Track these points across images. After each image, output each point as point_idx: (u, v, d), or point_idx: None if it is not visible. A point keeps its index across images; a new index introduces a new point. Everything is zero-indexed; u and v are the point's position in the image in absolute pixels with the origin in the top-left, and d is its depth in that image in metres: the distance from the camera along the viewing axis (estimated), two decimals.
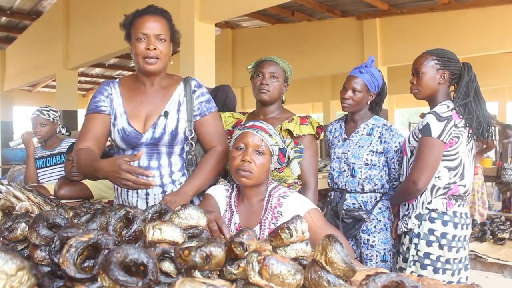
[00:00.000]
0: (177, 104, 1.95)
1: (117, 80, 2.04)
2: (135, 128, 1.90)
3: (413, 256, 2.23)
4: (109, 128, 1.96)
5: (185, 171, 1.97)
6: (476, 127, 2.20)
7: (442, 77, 2.26)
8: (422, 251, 2.20)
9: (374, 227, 2.47)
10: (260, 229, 1.69)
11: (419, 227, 2.23)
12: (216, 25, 5.14)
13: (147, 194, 1.92)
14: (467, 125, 2.20)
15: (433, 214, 2.21)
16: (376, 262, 2.46)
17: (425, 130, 2.18)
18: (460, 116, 2.18)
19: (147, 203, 1.92)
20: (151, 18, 1.86)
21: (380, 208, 2.49)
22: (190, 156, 1.97)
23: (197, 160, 1.98)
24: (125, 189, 1.95)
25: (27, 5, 8.64)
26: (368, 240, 2.48)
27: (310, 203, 1.72)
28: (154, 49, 1.84)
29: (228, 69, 9.83)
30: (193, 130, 1.96)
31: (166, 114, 1.91)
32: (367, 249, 2.48)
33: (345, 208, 2.51)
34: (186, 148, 1.97)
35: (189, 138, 1.96)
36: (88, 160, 1.80)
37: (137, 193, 1.93)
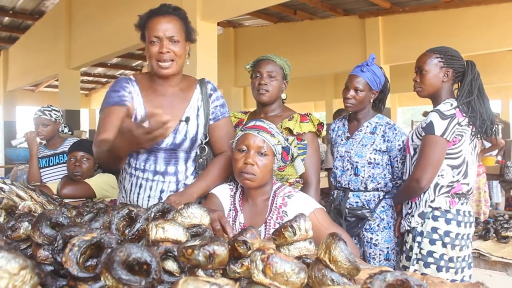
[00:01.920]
0: (196, 109, 1.93)
1: (133, 78, 1.96)
2: None
3: (416, 254, 2.22)
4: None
5: (196, 175, 1.95)
6: (479, 125, 2.19)
7: (446, 75, 2.25)
8: (425, 249, 2.20)
9: (377, 225, 2.46)
10: (265, 229, 1.69)
11: (422, 226, 2.23)
12: (218, 24, 5.13)
13: (160, 199, 1.89)
14: (471, 123, 2.19)
15: (436, 212, 2.20)
16: (380, 261, 2.45)
17: (428, 128, 2.17)
18: (464, 114, 2.17)
19: None
20: (163, 20, 1.81)
21: (383, 207, 2.48)
22: (201, 160, 1.95)
23: (208, 164, 1.97)
24: (136, 191, 1.92)
25: (30, 5, 8.66)
26: (371, 238, 2.47)
27: (315, 203, 1.72)
28: (168, 52, 1.80)
29: (231, 68, 9.84)
30: (207, 134, 1.95)
31: (187, 119, 1.89)
32: (371, 248, 2.48)
33: (348, 206, 2.51)
34: (198, 152, 1.96)
35: (203, 142, 1.94)
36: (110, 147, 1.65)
37: (149, 196, 1.90)
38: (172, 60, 1.82)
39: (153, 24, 1.82)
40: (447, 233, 2.17)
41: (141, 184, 1.91)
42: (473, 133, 2.21)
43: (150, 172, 1.90)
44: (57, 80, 8.51)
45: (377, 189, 2.49)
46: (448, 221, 2.18)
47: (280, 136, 1.75)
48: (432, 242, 2.19)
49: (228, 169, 1.92)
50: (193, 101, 1.93)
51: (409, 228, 2.29)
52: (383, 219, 2.47)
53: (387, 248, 2.46)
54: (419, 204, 2.25)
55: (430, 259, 2.19)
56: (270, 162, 1.69)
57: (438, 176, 2.21)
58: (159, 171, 1.89)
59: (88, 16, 7.17)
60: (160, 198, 1.89)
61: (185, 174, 1.92)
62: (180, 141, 1.87)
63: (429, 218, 2.21)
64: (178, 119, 1.88)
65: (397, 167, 2.49)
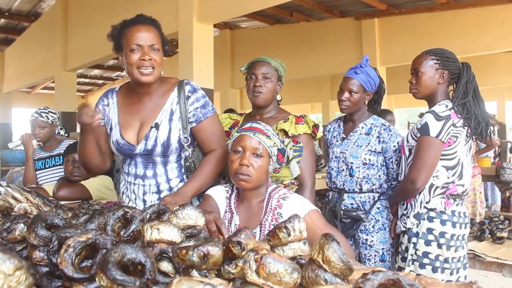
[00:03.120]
0: (169, 114, 1.94)
1: (117, 88, 2.05)
2: (127, 141, 1.93)
3: (411, 255, 2.23)
4: (105, 140, 2.03)
5: (184, 177, 1.98)
6: (474, 127, 2.21)
7: (441, 77, 2.26)
8: (420, 250, 2.21)
9: (373, 227, 2.47)
10: (260, 230, 1.69)
11: (417, 226, 2.24)
12: (214, 26, 5.14)
13: (144, 201, 1.96)
14: (466, 124, 2.20)
15: (432, 213, 2.21)
16: (375, 262, 2.46)
17: (424, 129, 2.18)
18: (459, 116, 2.19)
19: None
20: (143, 28, 1.84)
21: (378, 208, 2.49)
22: (188, 163, 1.97)
23: (196, 166, 1.98)
24: (126, 194, 2.01)
25: (26, 7, 8.63)
26: (366, 240, 2.48)
27: (310, 204, 1.73)
28: (150, 59, 1.83)
29: (227, 70, 9.83)
30: (189, 137, 1.95)
31: (157, 126, 1.91)
32: (366, 249, 2.48)
33: (343, 208, 2.51)
34: (184, 155, 1.98)
35: (185, 146, 1.95)
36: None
37: (135, 198, 1.98)
38: (153, 68, 1.85)
39: (133, 32, 1.84)
40: (442, 234, 2.18)
41: (127, 187, 2.01)
42: (468, 134, 2.22)
43: (132, 176, 1.98)
44: (53, 82, 8.49)
45: (372, 190, 2.50)
46: (443, 222, 2.19)
47: (276, 138, 1.76)
48: (428, 243, 2.20)
49: (220, 165, 1.94)
50: (167, 105, 1.95)
51: (404, 229, 2.30)
52: (378, 221, 2.48)
53: (382, 249, 2.47)
54: (414, 205, 2.26)
55: (425, 260, 2.19)
56: (266, 163, 1.70)
57: (433, 177, 2.22)
58: (139, 174, 1.96)
59: (84, 17, 7.16)
60: (144, 200, 1.96)
61: (167, 177, 1.96)
62: (151, 147, 1.91)
63: (424, 219, 2.22)
64: (149, 125, 1.92)
65: (392, 168, 2.50)
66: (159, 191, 1.95)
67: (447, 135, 2.16)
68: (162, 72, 1.96)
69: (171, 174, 1.96)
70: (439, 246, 2.18)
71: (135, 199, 1.98)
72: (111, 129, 1.98)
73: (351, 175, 2.51)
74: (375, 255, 2.47)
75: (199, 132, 1.97)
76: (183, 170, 1.98)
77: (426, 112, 2.26)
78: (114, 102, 2.01)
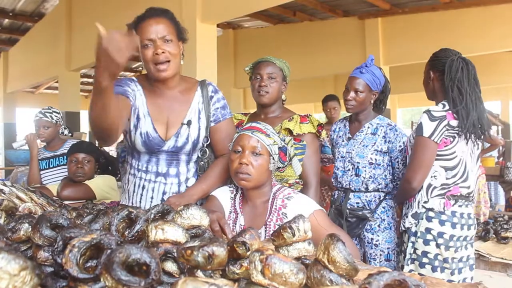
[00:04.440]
0: (197, 112, 1.91)
1: (135, 79, 1.95)
2: (160, 134, 1.85)
3: (410, 254, 2.23)
4: (127, 115, 1.83)
5: (198, 177, 1.95)
6: (470, 127, 2.15)
7: (428, 77, 2.28)
8: (419, 249, 2.20)
9: (378, 226, 2.47)
10: (265, 231, 1.69)
11: (416, 226, 2.23)
12: (218, 25, 5.14)
13: (162, 200, 1.88)
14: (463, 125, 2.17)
15: (430, 213, 2.20)
16: (380, 261, 2.46)
17: (418, 129, 2.19)
18: (455, 116, 2.16)
19: None
20: (153, 21, 1.79)
21: (384, 207, 2.49)
22: (202, 162, 1.95)
23: (208, 166, 1.96)
24: (139, 192, 1.92)
25: (30, 7, 8.66)
26: (372, 239, 2.48)
27: (315, 204, 1.72)
28: (163, 52, 1.77)
29: (230, 70, 9.84)
30: (208, 137, 1.94)
31: (189, 123, 1.87)
32: (371, 248, 2.48)
33: (349, 207, 2.52)
34: (199, 155, 1.95)
35: (204, 145, 1.94)
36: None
37: (152, 197, 1.90)
38: (168, 61, 1.79)
39: (143, 27, 1.79)
40: (440, 234, 2.17)
41: (143, 186, 1.91)
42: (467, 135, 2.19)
43: (153, 174, 1.90)
44: (57, 82, 8.50)
45: (377, 190, 2.50)
46: (442, 223, 2.18)
47: (276, 136, 1.75)
48: (426, 242, 2.19)
49: (228, 171, 1.92)
50: (194, 103, 1.92)
51: (404, 229, 2.30)
52: (383, 220, 2.48)
53: (388, 248, 2.47)
54: (413, 204, 2.26)
55: (424, 259, 2.19)
56: (266, 162, 1.69)
57: (431, 177, 2.21)
58: (161, 172, 1.89)
59: (88, 18, 7.17)
60: (162, 199, 1.88)
61: (186, 176, 1.92)
62: (182, 144, 1.86)
63: (422, 219, 2.21)
64: (180, 122, 1.87)
65: (398, 168, 2.50)
66: (179, 191, 1.89)
67: (440, 136, 2.15)
68: (182, 62, 1.88)
69: (190, 174, 1.93)
70: (438, 246, 2.17)
71: (151, 198, 1.89)
72: (138, 119, 1.84)
73: (357, 175, 2.51)
74: (380, 255, 2.46)
75: (215, 132, 1.95)
76: (197, 171, 1.95)
77: (423, 112, 2.24)
78: (140, 90, 1.89)
